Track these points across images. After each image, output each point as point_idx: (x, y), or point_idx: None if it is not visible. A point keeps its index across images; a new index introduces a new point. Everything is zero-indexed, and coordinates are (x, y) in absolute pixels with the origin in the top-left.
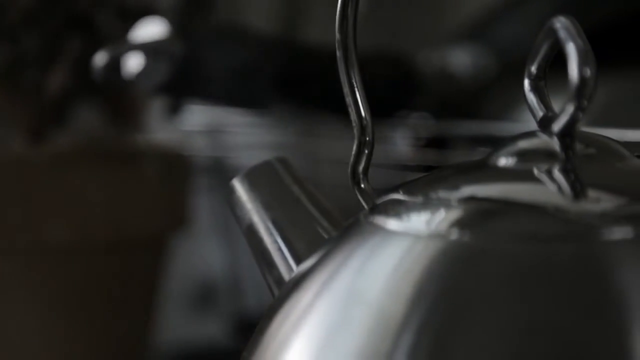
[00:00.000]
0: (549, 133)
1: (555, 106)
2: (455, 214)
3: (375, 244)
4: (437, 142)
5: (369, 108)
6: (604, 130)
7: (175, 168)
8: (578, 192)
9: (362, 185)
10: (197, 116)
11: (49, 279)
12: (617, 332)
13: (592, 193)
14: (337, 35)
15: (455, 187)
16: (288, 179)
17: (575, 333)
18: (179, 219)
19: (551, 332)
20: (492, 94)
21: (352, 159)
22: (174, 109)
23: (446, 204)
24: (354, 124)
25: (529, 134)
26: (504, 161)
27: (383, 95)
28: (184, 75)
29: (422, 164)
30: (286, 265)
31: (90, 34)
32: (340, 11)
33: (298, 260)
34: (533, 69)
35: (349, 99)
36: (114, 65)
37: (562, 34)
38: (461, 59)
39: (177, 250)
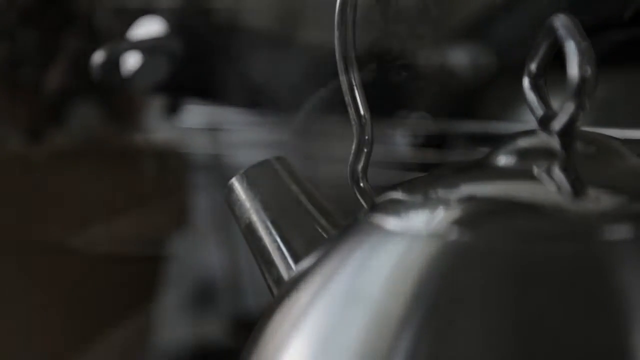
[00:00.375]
0: (549, 132)
1: (555, 104)
2: (454, 213)
3: (375, 243)
4: (436, 141)
5: (368, 107)
6: (604, 129)
7: (174, 167)
8: (578, 191)
9: (362, 185)
10: (196, 115)
11: (48, 279)
12: (617, 332)
13: (592, 192)
14: (337, 34)
15: (455, 186)
16: (287, 178)
17: (575, 333)
18: (178, 218)
19: (551, 331)
20: (491, 93)
21: (351, 158)
22: (173, 108)
23: (445, 204)
24: (353, 123)
25: (529, 133)
26: (503, 160)
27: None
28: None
29: (421, 163)
30: (285, 264)
31: (89, 32)
32: (339, 10)
33: (297, 260)
34: (533, 67)
35: (348, 98)
36: (113, 63)
37: (562, 32)
38: (460, 58)
39: (176, 250)
